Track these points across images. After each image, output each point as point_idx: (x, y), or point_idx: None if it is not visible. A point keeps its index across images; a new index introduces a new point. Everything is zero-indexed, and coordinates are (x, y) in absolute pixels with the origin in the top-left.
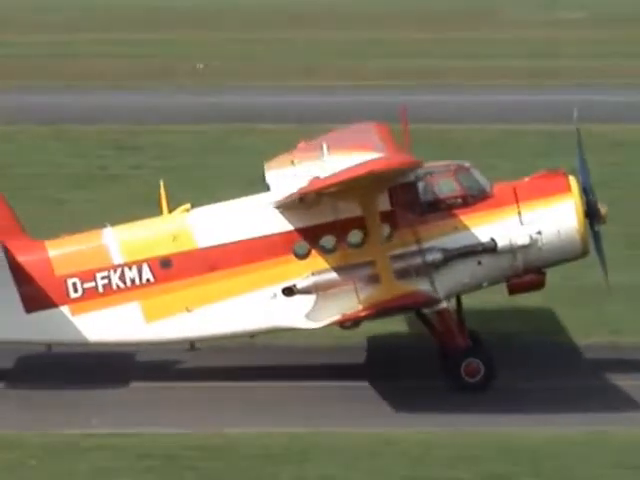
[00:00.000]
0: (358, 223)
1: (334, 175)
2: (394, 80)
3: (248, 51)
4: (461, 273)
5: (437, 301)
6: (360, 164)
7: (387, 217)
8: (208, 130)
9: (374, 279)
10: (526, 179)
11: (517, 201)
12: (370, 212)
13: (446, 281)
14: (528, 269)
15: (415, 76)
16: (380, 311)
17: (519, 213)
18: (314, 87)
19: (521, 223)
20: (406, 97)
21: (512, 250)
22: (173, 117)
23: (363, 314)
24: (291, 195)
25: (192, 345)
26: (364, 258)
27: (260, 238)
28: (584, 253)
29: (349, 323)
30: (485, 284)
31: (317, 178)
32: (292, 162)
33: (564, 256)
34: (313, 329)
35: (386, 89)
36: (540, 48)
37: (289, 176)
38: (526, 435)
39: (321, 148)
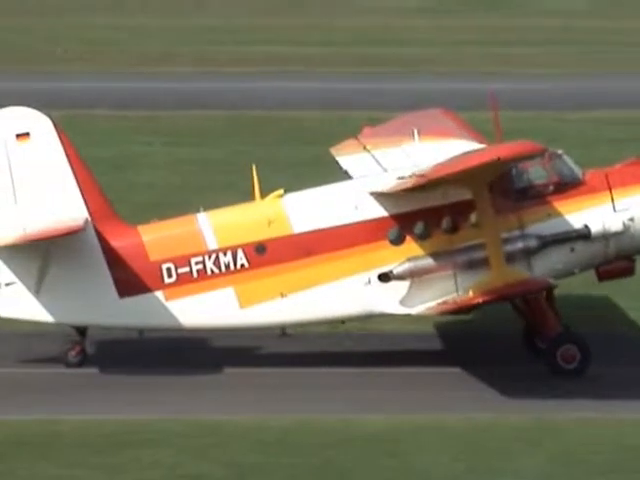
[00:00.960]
0: (459, 208)
1: (460, 162)
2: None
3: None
4: (555, 260)
5: (553, 287)
6: (486, 151)
7: None
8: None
9: (483, 264)
10: (617, 166)
11: (610, 188)
12: (481, 198)
13: (540, 268)
14: (619, 256)
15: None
16: (499, 297)
17: (612, 200)
18: (169, 73)
19: (614, 210)
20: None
21: (605, 237)
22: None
23: (480, 300)
24: (409, 181)
25: (284, 331)
26: (470, 242)
27: (355, 224)
28: None
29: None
30: (577, 271)
31: (440, 164)
32: (365, 148)
33: None
34: (407, 315)
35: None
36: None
37: (374, 162)
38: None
39: (410, 134)
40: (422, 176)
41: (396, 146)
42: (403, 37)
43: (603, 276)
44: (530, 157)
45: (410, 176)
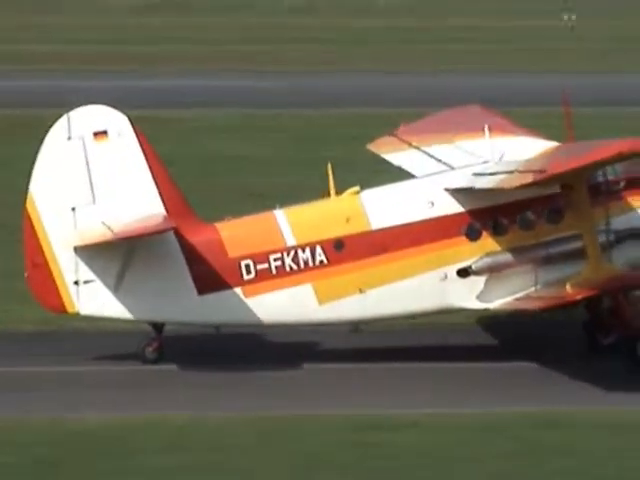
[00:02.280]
0: (536, 204)
1: (582, 157)
2: None
3: None
4: (632, 254)
5: None
6: (605, 146)
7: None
8: None
9: (562, 259)
10: None
11: None
12: (580, 193)
13: (619, 261)
14: None
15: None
16: (604, 291)
17: None
18: None
19: None
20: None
21: None
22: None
23: (585, 294)
24: (527, 176)
25: (356, 327)
26: (548, 238)
27: (431, 220)
28: None
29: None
30: None
31: (556, 159)
32: (411, 145)
33: None
34: (486, 309)
35: None
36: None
37: (428, 158)
38: None
39: (482, 130)
40: (543, 171)
41: (448, 142)
42: None
43: None
44: None
45: (520, 171)
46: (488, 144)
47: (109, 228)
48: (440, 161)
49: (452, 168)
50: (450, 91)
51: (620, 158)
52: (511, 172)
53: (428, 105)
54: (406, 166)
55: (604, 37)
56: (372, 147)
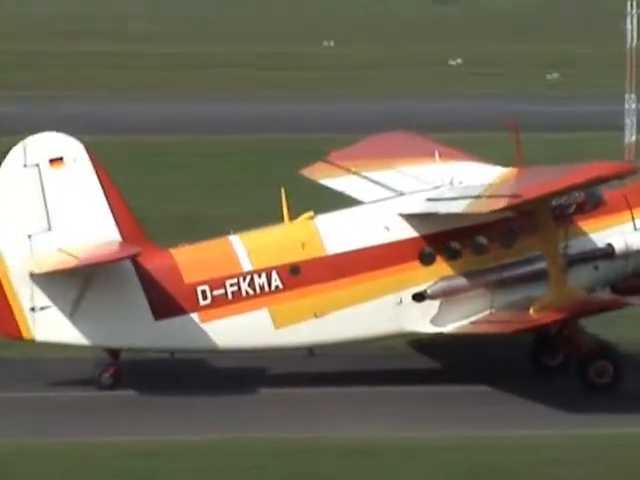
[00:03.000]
0: (489, 228)
1: (559, 181)
2: None
3: None
4: (580, 278)
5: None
6: (583, 170)
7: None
8: None
9: (516, 283)
10: (630, 185)
11: (630, 207)
12: (545, 218)
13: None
14: (635, 273)
15: None
16: (574, 314)
17: (633, 219)
18: None
19: (635, 228)
20: None
21: (627, 255)
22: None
23: (554, 318)
24: (501, 201)
25: (311, 351)
26: (502, 262)
27: (387, 245)
28: None
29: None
30: (598, 288)
31: (530, 184)
32: (349, 170)
33: None
34: (440, 333)
35: None
36: None
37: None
38: None
39: (432, 155)
40: (518, 196)
41: (390, 167)
42: None
43: (619, 291)
44: (622, 176)
45: (491, 196)
46: (433, 169)
47: (72, 255)
48: (386, 186)
49: (401, 193)
50: None
51: (599, 181)
52: (477, 197)
53: None
54: (350, 191)
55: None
56: (306, 173)
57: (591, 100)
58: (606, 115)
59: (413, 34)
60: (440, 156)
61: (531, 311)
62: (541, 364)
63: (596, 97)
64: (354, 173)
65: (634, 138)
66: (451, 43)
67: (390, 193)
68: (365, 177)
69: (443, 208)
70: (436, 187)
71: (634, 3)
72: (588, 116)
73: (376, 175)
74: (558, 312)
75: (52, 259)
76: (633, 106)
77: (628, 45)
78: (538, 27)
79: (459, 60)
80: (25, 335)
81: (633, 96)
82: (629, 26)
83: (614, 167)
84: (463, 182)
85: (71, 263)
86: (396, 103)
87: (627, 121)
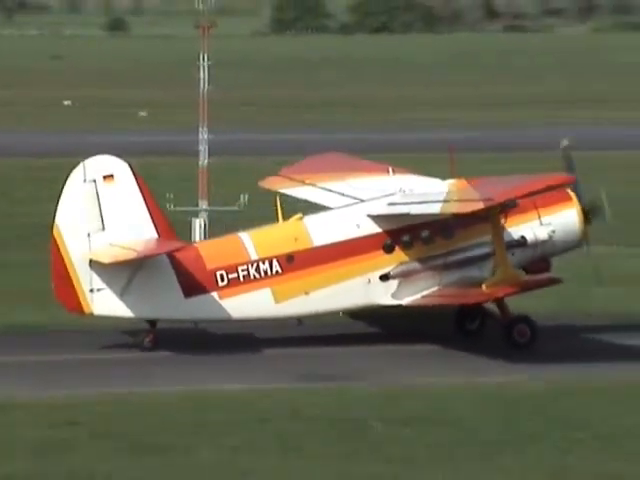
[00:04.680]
0: (435, 224)
1: (519, 188)
2: None
3: None
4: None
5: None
6: (538, 180)
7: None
8: None
9: (458, 266)
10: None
11: (536, 208)
12: (496, 217)
13: (489, 269)
14: (542, 257)
15: None
16: (523, 289)
17: (539, 217)
18: None
19: (541, 224)
20: None
21: (535, 244)
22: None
23: (507, 292)
24: (478, 204)
25: (300, 320)
26: (446, 249)
27: (358, 238)
28: (580, 245)
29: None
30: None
31: (501, 191)
32: (304, 182)
33: (567, 247)
34: (399, 305)
35: None
36: None
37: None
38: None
39: (386, 171)
40: (491, 199)
41: (341, 180)
42: None
43: (529, 272)
44: (566, 185)
45: (463, 200)
46: (379, 180)
47: (131, 249)
48: (343, 194)
49: (360, 200)
50: None
51: (550, 189)
52: (447, 201)
53: None
54: (312, 199)
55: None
56: (264, 184)
57: (172, 132)
58: (184, 144)
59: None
60: (382, 171)
61: (484, 287)
62: (463, 328)
63: (176, 130)
64: (311, 184)
65: (206, 162)
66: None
67: (348, 200)
68: (322, 187)
69: (415, 210)
70: (390, 194)
71: (205, 56)
72: (170, 144)
73: (331, 185)
74: (509, 288)
75: (114, 252)
76: (205, 137)
77: (201, 89)
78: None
79: (69, 102)
80: (86, 310)
81: (205, 129)
82: (202, 75)
83: (561, 178)
84: (411, 191)
85: (132, 255)
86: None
87: (201, 148)
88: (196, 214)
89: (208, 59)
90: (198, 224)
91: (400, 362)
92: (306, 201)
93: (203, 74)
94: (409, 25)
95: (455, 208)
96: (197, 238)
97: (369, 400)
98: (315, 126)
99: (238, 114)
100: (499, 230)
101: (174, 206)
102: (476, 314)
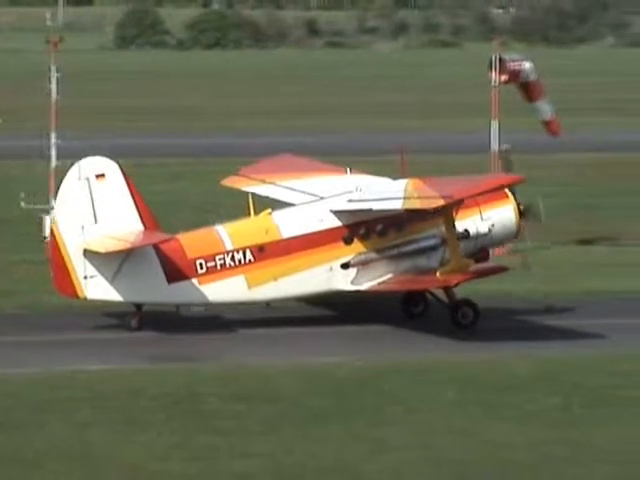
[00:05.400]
0: (388, 219)
1: (474, 187)
2: None
3: None
4: (444, 251)
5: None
6: (490, 179)
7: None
8: None
9: (409, 256)
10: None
11: (478, 205)
12: (449, 212)
13: (436, 259)
14: (482, 248)
15: None
16: (476, 276)
17: (480, 212)
18: None
19: (482, 219)
20: None
21: (477, 237)
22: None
23: (461, 279)
24: (437, 201)
25: (268, 304)
26: (397, 241)
27: (321, 231)
28: (516, 238)
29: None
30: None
31: (457, 188)
32: (264, 181)
33: (504, 239)
34: (358, 291)
35: None
36: None
37: (289, 190)
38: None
39: (345, 171)
40: (450, 196)
41: (299, 179)
42: None
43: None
44: (517, 184)
45: (424, 197)
46: (337, 179)
47: (123, 240)
48: (304, 192)
49: (320, 197)
50: None
51: (502, 187)
52: (407, 198)
53: None
54: (274, 196)
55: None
56: (227, 183)
57: (25, 137)
58: (36, 148)
59: None
60: (339, 171)
61: (438, 274)
62: (408, 311)
63: (29, 135)
64: (271, 183)
65: (55, 164)
66: None
67: (309, 197)
68: (283, 186)
69: (377, 206)
70: (349, 192)
71: (55, 68)
72: (23, 148)
73: (291, 184)
74: (463, 275)
75: (109, 243)
76: (55, 142)
77: (53, 99)
78: None
79: None
80: (80, 295)
81: (55, 134)
82: (52, 85)
83: (512, 178)
84: (367, 188)
85: (126, 245)
86: None
87: (51, 152)
88: (47, 211)
89: (57, 71)
90: (48, 220)
91: (248, 346)
92: (267, 198)
93: (53, 85)
94: (239, 42)
95: (417, 204)
96: (47, 233)
97: (210, 379)
98: (151, 131)
99: (85, 121)
100: (452, 224)
101: (26, 204)
102: (419, 299)
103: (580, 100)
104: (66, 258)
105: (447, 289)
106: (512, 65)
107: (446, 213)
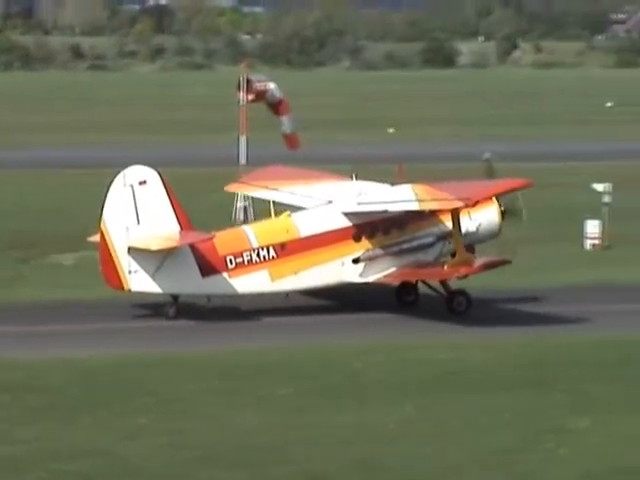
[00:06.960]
0: (392, 219)
1: (494, 189)
2: None
3: None
4: (440, 249)
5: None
6: (503, 183)
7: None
8: None
9: (411, 252)
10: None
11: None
12: (457, 212)
13: (432, 254)
14: (469, 245)
15: None
16: (482, 269)
17: (469, 213)
18: None
19: (470, 219)
20: None
21: (466, 234)
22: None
23: (468, 271)
24: (454, 202)
25: (287, 295)
26: (401, 239)
27: (334, 230)
28: (498, 235)
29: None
30: (450, 255)
31: (476, 191)
32: (267, 187)
33: (488, 237)
34: (366, 282)
35: None
36: None
37: (293, 195)
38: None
39: (350, 177)
40: (468, 199)
41: (306, 185)
42: None
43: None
44: (527, 188)
45: (441, 199)
46: (341, 185)
47: (170, 239)
48: (310, 197)
49: (328, 201)
50: None
51: (514, 190)
52: (422, 200)
53: None
54: (279, 200)
55: None
56: (230, 189)
57: None
58: None
59: None
60: (343, 177)
61: (446, 267)
62: (401, 300)
63: None
64: (273, 189)
65: None
66: None
67: (317, 202)
68: (286, 191)
69: (392, 208)
70: (355, 195)
71: None
72: None
73: (294, 189)
74: (469, 268)
75: (156, 242)
76: None
77: None
78: None
79: None
80: (125, 287)
81: None
82: None
83: (523, 181)
84: (370, 193)
85: (174, 243)
86: None
87: None
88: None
89: None
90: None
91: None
92: (273, 202)
93: None
94: (10, 64)
95: (435, 206)
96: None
97: None
98: None
99: None
100: (459, 222)
101: None
102: (411, 290)
103: (317, 117)
104: (113, 255)
105: (444, 281)
106: (258, 85)
107: (456, 214)
